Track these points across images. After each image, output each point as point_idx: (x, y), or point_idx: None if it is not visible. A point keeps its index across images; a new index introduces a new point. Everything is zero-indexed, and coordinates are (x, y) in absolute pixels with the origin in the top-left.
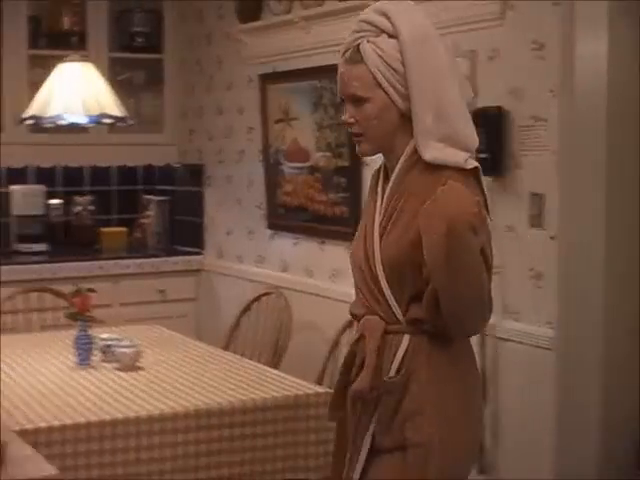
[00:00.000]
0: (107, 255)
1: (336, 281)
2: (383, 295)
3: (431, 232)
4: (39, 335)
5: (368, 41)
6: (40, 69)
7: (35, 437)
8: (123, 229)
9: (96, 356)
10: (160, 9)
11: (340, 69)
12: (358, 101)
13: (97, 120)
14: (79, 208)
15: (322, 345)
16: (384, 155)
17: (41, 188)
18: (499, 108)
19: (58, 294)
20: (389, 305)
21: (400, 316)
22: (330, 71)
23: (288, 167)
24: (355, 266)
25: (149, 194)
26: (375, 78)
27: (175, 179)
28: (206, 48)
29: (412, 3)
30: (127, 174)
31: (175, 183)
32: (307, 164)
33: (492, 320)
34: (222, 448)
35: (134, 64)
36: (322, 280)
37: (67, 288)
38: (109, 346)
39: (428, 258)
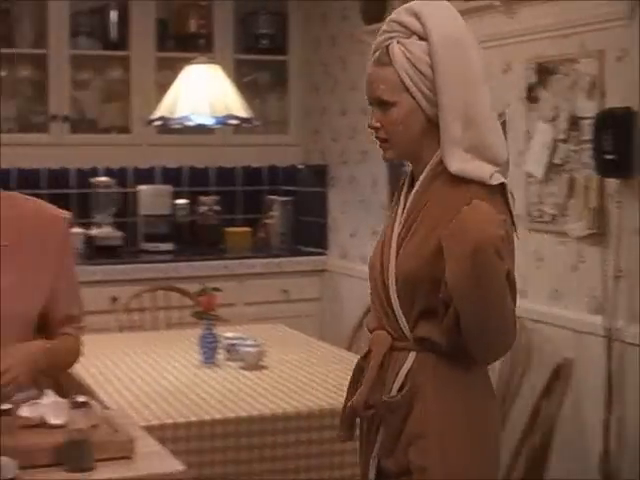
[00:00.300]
0: (232, 255)
1: None
2: (392, 309)
3: (455, 255)
4: (165, 333)
5: (398, 42)
6: (167, 71)
7: (162, 433)
8: (247, 229)
9: (221, 355)
10: (285, 11)
11: (368, 70)
12: (384, 105)
13: (223, 121)
14: (204, 208)
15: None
16: (411, 162)
17: (168, 188)
18: (628, 109)
19: (184, 293)
20: (397, 320)
21: (407, 332)
22: None
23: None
24: (370, 278)
25: (273, 194)
26: (403, 82)
27: (299, 180)
28: (330, 49)
29: (447, 4)
30: (252, 175)
31: (299, 184)
32: None
33: (619, 324)
34: (345, 449)
35: (259, 65)
36: None
37: (192, 287)
38: (234, 345)
39: (451, 281)
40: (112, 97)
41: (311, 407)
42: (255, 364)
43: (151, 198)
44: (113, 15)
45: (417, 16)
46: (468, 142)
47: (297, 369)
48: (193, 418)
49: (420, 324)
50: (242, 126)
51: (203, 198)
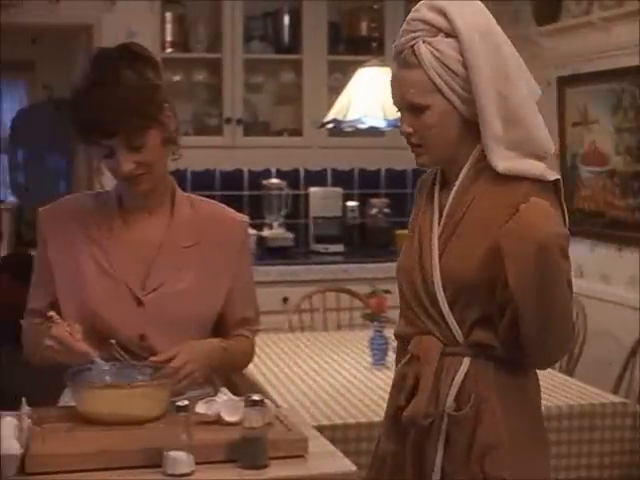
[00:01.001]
0: None
1: (633, 289)
2: (441, 314)
3: (517, 255)
4: (335, 334)
5: (424, 42)
6: (338, 74)
7: (332, 433)
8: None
9: (390, 357)
10: None
11: (393, 73)
12: (416, 109)
13: (395, 124)
14: (375, 210)
15: (618, 353)
16: (444, 164)
17: (338, 190)
18: None
19: (354, 294)
20: (448, 325)
21: (460, 338)
22: (632, 73)
23: (585, 171)
24: (406, 282)
25: None
26: (434, 83)
27: None
28: None
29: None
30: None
31: None
32: (605, 168)
33: None
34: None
35: None
36: (618, 287)
37: (361, 288)
38: None
39: (513, 283)
40: (284, 100)
41: None
42: None
43: (322, 200)
44: (285, 19)
45: (442, 13)
46: (512, 138)
47: None
48: (363, 419)
49: (475, 329)
50: None
51: (373, 200)
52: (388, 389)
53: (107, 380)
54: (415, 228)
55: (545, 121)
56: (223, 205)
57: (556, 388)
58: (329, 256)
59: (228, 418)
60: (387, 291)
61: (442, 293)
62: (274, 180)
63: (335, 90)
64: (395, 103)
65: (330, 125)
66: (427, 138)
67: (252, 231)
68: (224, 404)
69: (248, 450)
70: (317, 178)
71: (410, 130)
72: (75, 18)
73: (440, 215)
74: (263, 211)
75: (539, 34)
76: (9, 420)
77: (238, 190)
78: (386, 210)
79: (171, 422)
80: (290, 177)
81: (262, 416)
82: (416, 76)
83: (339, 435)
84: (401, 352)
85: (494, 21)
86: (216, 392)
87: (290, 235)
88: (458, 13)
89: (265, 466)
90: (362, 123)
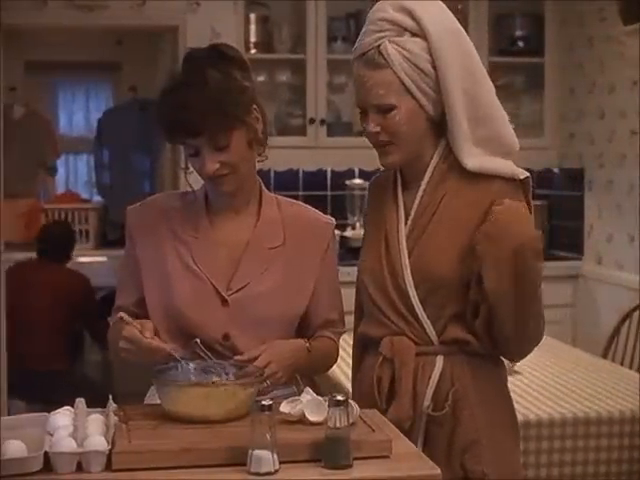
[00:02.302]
0: None
1: None
2: (414, 314)
3: (494, 258)
4: None
5: (390, 41)
6: None
7: None
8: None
9: None
10: (541, 12)
11: (357, 73)
12: (384, 109)
13: None
14: None
15: None
16: (408, 163)
17: None
18: None
19: None
20: (421, 324)
21: (434, 337)
22: None
23: None
24: (373, 283)
25: None
26: (403, 83)
27: (554, 183)
28: (587, 51)
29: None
30: None
31: (554, 187)
32: None
33: None
34: (599, 458)
35: (514, 68)
36: None
37: None
38: None
39: (490, 286)
40: None
41: (564, 414)
42: (509, 369)
43: None
44: None
45: (409, 12)
46: (479, 137)
47: (551, 375)
48: None
49: (449, 326)
50: None
51: None
52: None
53: (192, 379)
54: (374, 229)
55: (631, 122)
56: (309, 207)
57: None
58: None
59: (312, 418)
60: None
61: (414, 292)
62: (357, 180)
63: None
64: (359, 103)
65: None
66: (396, 137)
67: (335, 232)
68: (308, 404)
69: (332, 450)
70: None
71: (378, 129)
72: (160, 19)
73: (406, 215)
74: (346, 211)
75: (625, 34)
76: (96, 417)
77: (321, 190)
78: None
79: (255, 421)
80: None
81: (346, 416)
82: (384, 76)
83: None
84: (364, 354)
85: (456, 21)
86: (300, 392)
87: None
88: (425, 13)
89: (349, 466)
90: None
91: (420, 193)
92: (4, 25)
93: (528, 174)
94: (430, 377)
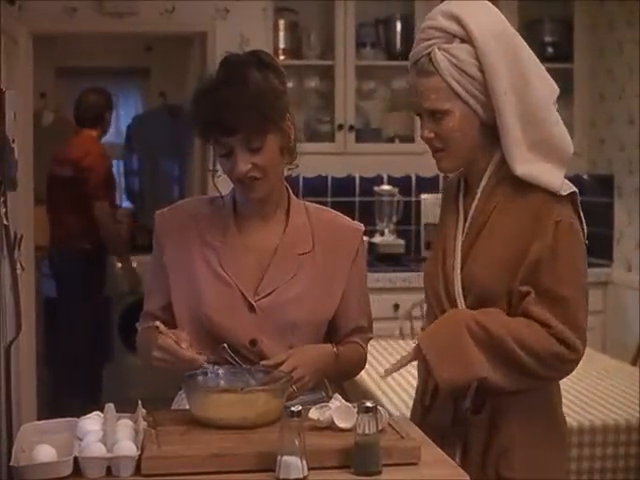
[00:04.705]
0: None
1: None
2: None
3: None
4: None
5: (439, 49)
6: None
7: None
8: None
9: None
10: (570, 18)
11: (411, 82)
12: (437, 114)
13: None
14: None
15: None
16: (465, 169)
17: None
18: None
19: None
20: None
21: None
22: None
23: None
24: (429, 287)
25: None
26: (452, 88)
27: (584, 189)
28: (617, 56)
29: (483, 1)
30: None
31: (584, 193)
32: None
33: None
34: (629, 466)
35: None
36: None
37: None
38: None
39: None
40: (396, 106)
41: (593, 421)
42: None
43: (433, 207)
44: (397, 25)
45: (456, 19)
46: (532, 139)
47: (579, 382)
48: None
49: None
50: None
51: None
52: None
53: (221, 384)
54: (438, 234)
55: None
56: (338, 213)
57: (583, 404)
58: None
59: (341, 424)
60: None
61: (462, 300)
62: (385, 186)
63: None
64: (415, 110)
65: None
66: (449, 142)
67: (364, 238)
68: (337, 410)
69: (361, 456)
70: (429, 184)
71: (432, 135)
72: (189, 26)
73: (464, 222)
74: (374, 218)
75: None
76: (126, 422)
77: (350, 196)
78: None
79: (284, 427)
80: (402, 183)
81: (375, 423)
82: (434, 83)
83: None
84: None
85: (507, 23)
86: (329, 398)
87: (401, 242)
88: (471, 18)
89: (378, 473)
90: None
91: (475, 202)
92: (35, 32)
93: (574, 189)
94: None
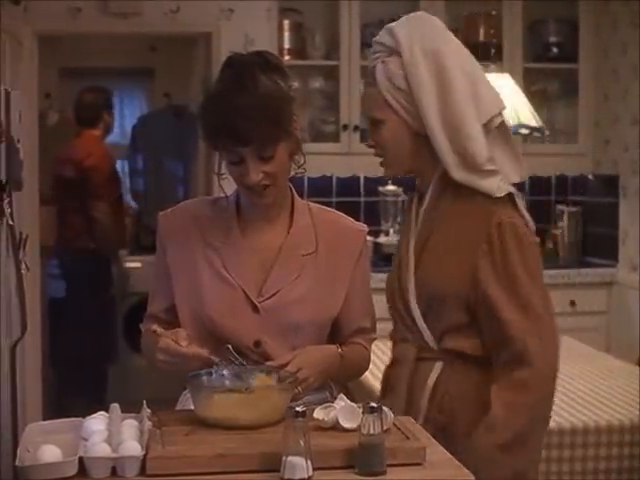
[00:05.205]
0: None
1: None
2: (414, 323)
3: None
4: None
5: (382, 62)
6: None
7: None
8: (536, 239)
9: None
10: (575, 19)
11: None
12: (375, 123)
13: (514, 130)
14: None
15: None
16: (416, 177)
17: None
18: None
19: None
20: (421, 333)
21: (433, 344)
22: None
23: None
24: (387, 291)
25: (561, 204)
26: (385, 99)
27: (588, 190)
28: (621, 57)
29: (423, 16)
30: (539, 184)
31: (588, 194)
32: None
33: None
34: (633, 466)
35: (548, 74)
36: None
37: None
38: None
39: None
40: None
41: (598, 422)
42: None
43: None
44: None
45: (392, 33)
46: (455, 149)
47: (584, 382)
48: None
49: (445, 337)
50: (532, 135)
51: None
52: None
53: (226, 384)
54: (399, 243)
55: None
56: (342, 214)
57: (587, 404)
58: None
59: (346, 424)
60: None
61: (415, 304)
62: (390, 187)
63: None
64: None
65: None
66: (385, 151)
67: (368, 238)
68: (342, 410)
69: (366, 457)
70: None
71: (372, 143)
72: (194, 26)
73: (415, 229)
74: (379, 218)
75: None
76: (131, 422)
77: (354, 196)
78: None
79: (289, 427)
80: (406, 184)
81: (380, 423)
82: (373, 93)
83: None
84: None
85: (445, 39)
86: (334, 398)
87: None
88: (403, 33)
89: (383, 473)
90: None
91: (424, 208)
92: (40, 32)
93: (511, 190)
94: (427, 381)
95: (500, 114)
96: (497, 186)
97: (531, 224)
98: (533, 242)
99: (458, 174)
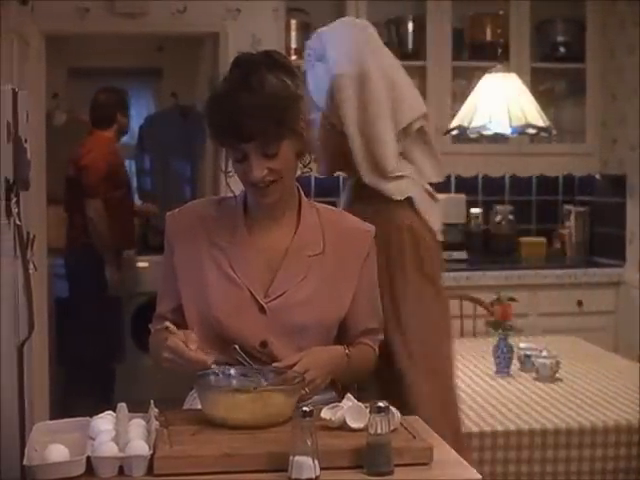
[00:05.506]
0: (525, 265)
1: None
2: None
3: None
4: (458, 341)
5: (313, 66)
6: (462, 80)
7: None
8: (542, 239)
9: (514, 365)
10: (582, 18)
11: None
12: (309, 122)
13: (521, 130)
14: (499, 217)
15: None
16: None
17: (462, 197)
18: None
19: (478, 302)
20: None
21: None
22: None
23: None
24: None
25: (569, 204)
26: (315, 101)
27: (596, 189)
28: (628, 57)
29: (350, 22)
30: (547, 184)
31: (596, 193)
32: None
33: None
34: (630, 467)
35: (556, 74)
36: None
37: (484, 296)
38: (528, 356)
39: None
40: None
41: (606, 422)
42: (550, 376)
43: (445, 207)
44: (409, 25)
45: (320, 39)
46: (369, 154)
47: (592, 383)
48: (487, 428)
49: None
50: (539, 135)
51: (498, 207)
52: (512, 398)
53: (233, 384)
54: None
55: None
56: (349, 214)
57: (595, 404)
58: (452, 263)
59: (353, 424)
60: (512, 299)
61: None
62: None
63: (459, 96)
64: None
65: (455, 132)
66: (315, 149)
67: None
68: (349, 410)
69: (373, 456)
70: (441, 184)
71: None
72: (201, 26)
73: None
74: None
75: None
76: (138, 422)
77: None
78: (510, 217)
79: (296, 427)
80: None
81: (387, 423)
82: (307, 96)
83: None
84: None
85: (374, 41)
86: (341, 398)
87: None
88: (330, 36)
89: (390, 473)
90: (487, 129)
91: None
92: (47, 32)
93: (409, 194)
94: None
95: (420, 118)
96: (399, 190)
97: (436, 227)
98: (431, 245)
99: (368, 177)
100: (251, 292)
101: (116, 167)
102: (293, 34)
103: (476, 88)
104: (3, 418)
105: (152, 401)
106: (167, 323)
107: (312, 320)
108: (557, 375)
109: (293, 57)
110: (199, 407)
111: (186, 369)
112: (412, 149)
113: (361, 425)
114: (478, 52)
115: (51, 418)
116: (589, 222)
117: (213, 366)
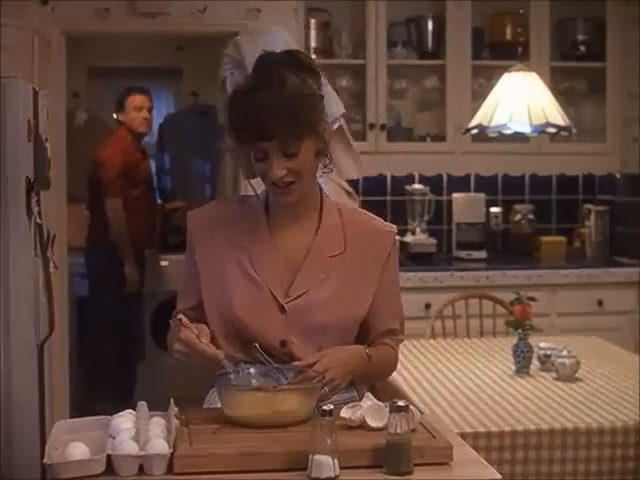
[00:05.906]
0: (545, 264)
1: None
2: None
3: None
4: (477, 341)
5: (231, 73)
6: (482, 79)
7: (475, 441)
8: (562, 238)
9: (534, 365)
10: (602, 17)
11: None
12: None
13: (541, 129)
14: (519, 216)
15: None
16: None
17: (481, 196)
18: None
19: (498, 301)
20: None
21: None
22: None
23: None
24: None
25: (589, 203)
26: None
27: (616, 189)
28: None
29: (269, 31)
30: (567, 183)
31: (616, 193)
32: None
33: None
34: (638, 468)
35: (576, 73)
36: None
37: (504, 295)
38: (548, 356)
39: None
40: (428, 105)
41: (626, 422)
42: (570, 376)
43: (465, 206)
44: (429, 24)
45: (237, 47)
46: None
47: (612, 382)
48: (506, 428)
49: None
50: (559, 134)
51: (517, 206)
52: (531, 397)
53: (253, 383)
54: None
55: None
56: (371, 214)
57: (615, 404)
58: (472, 262)
59: (373, 423)
60: (531, 298)
61: None
62: (417, 185)
63: (478, 95)
64: None
65: (475, 131)
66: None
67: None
68: (369, 409)
69: (393, 456)
70: (460, 184)
71: None
72: (221, 26)
73: None
74: (406, 217)
75: None
76: (158, 420)
77: (381, 195)
78: (530, 216)
79: (316, 426)
80: (433, 183)
81: (407, 422)
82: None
83: (482, 443)
84: None
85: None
86: (361, 397)
87: (433, 241)
88: (248, 45)
89: (409, 472)
90: (507, 128)
91: None
92: (68, 32)
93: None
94: None
95: (338, 118)
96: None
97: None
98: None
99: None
100: (271, 292)
101: (134, 164)
102: (313, 33)
103: (496, 87)
104: (24, 417)
105: (172, 400)
106: (180, 316)
107: (332, 320)
108: (577, 375)
109: (313, 56)
110: (219, 406)
111: (197, 362)
112: (331, 149)
113: (381, 424)
114: (498, 51)
115: (71, 417)
116: (609, 221)
117: (224, 361)
